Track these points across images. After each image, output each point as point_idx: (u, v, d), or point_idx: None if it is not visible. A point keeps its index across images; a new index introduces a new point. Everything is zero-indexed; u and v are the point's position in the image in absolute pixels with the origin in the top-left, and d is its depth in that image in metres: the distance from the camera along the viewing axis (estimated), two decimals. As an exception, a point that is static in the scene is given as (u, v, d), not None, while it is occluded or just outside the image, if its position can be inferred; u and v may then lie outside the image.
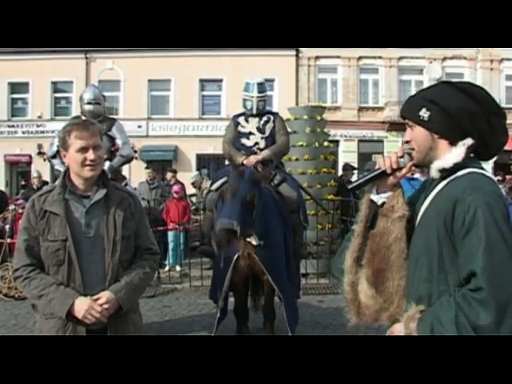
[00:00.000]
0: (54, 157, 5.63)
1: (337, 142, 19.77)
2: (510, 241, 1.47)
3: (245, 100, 5.03)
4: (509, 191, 7.87)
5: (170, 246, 9.04)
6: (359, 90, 21.43)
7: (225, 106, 20.64)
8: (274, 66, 19.58)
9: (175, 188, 9.23)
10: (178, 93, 20.91)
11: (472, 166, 1.64)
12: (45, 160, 15.94)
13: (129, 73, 20.51)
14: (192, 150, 20.78)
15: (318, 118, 8.85)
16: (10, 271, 6.16)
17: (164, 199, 9.34)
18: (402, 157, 1.74)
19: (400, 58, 20.88)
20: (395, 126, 19.61)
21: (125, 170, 10.57)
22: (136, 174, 14.73)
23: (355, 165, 14.72)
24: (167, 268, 8.62)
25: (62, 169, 4.07)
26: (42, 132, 20.72)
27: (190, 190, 11.29)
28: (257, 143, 4.91)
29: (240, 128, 5.00)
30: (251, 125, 4.98)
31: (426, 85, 17.85)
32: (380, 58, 20.73)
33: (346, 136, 21.00)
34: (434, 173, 1.67)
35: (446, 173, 1.65)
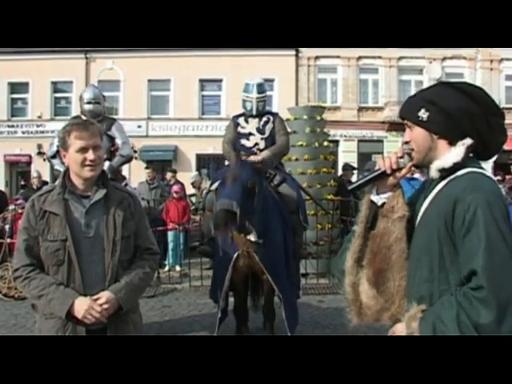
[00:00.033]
0: (53, 157, 5.63)
1: (337, 142, 19.77)
2: (510, 240, 1.48)
3: (244, 101, 5.03)
4: (508, 191, 7.87)
5: (170, 246, 9.04)
6: (359, 89, 21.43)
7: (225, 106, 20.64)
8: (273, 65, 19.58)
9: (175, 188, 9.23)
10: (177, 93, 20.91)
11: (471, 165, 1.64)
12: (44, 160, 15.94)
13: (128, 73, 20.51)
14: (192, 150, 20.78)
15: (318, 117, 8.85)
16: (10, 271, 6.15)
17: (164, 199, 9.34)
18: (401, 157, 1.74)
19: (400, 58, 20.88)
20: (395, 126, 19.61)
21: (124, 170, 10.56)
22: (136, 174, 14.72)
23: (355, 165, 14.73)
24: (167, 268, 8.62)
25: (61, 169, 4.07)
26: (42, 132, 20.71)
27: (190, 190, 11.29)
28: (257, 144, 4.91)
29: (240, 129, 4.99)
30: (251, 125, 4.98)
31: (425, 85, 17.87)
32: (380, 57, 20.72)
33: (345, 136, 21.00)
34: (433, 173, 1.68)
35: (445, 173, 1.65)
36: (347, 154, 20.40)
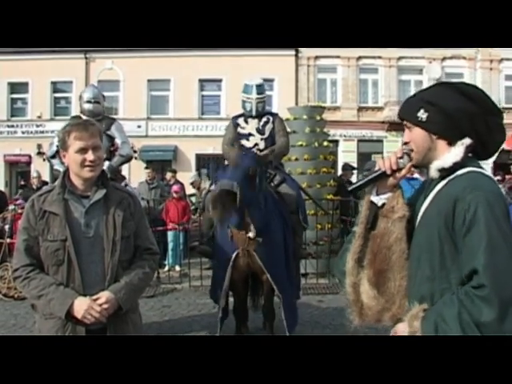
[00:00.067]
0: (53, 157, 5.63)
1: (336, 142, 19.77)
2: (511, 238, 1.49)
3: (244, 102, 5.03)
4: (508, 191, 7.87)
5: (170, 246, 9.04)
6: (359, 89, 21.43)
7: (224, 106, 20.64)
8: (273, 65, 19.59)
9: (175, 188, 9.23)
10: (177, 93, 20.91)
11: (471, 165, 1.65)
12: (44, 160, 15.94)
13: (128, 73, 20.51)
14: (191, 150, 20.78)
15: (318, 117, 8.86)
16: (10, 271, 6.15)
17: (163, 199, 9.34)
18: (401, 158, 1.74)
19: (399, 58, 20.89)
20: (395, 126, 19.61)
21: (124, 170, 10.57)
22: (135, 174, 14.73)
23: (355, 165, 14.73)
24: (167, 268, 8.62)
25: (61, 169, 4.07)
26: (42, 132, 20.71)
27: (190, 190, 11.29)
28: (256, 144, 4.91)
29: (239, 129, 5.00)
30: (251, 126, 4.98)
31: (425, 85, 17.88)
32: (379, 57, 20.73)
33: (345, 136, 21.00)
34: (433, 173, 1.68)
35: (445, 172, 1.66)
36: (347, 154, 20.41)
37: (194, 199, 10.81)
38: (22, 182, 17.34)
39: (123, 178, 6.20)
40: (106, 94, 6.55)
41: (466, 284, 1.50)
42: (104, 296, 2.19)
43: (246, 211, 4.00)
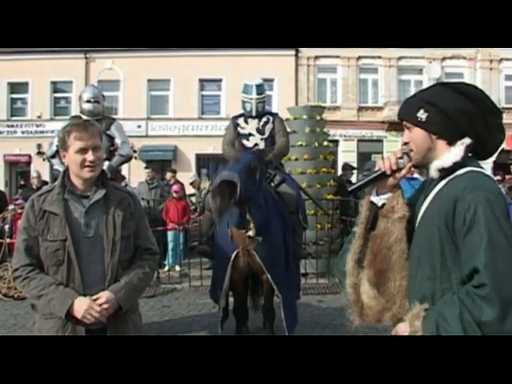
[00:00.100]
0: (53, 156, 5.62)
1: (336, 142, 19.76)
2: (511, 238, 1.49)
3: (244, 102, 5.03)
4: (508, 191, 7.87)
5: (170, 245, 9.04)
6: (359, 89, 21.43)
7: (224, 106, 20.63)
8: (273, 65, 19.58)
9: (175, 188, 9.23)
10: (177, 93, 20.90)
11: (471, 165, 1.65)
12: (44, 160, 15.93)
13: (128, 73, 20.50)
14: (191, 150, 20.78)
15: (318, 117, 8.85)
16: (10, 271, 6.15)
17: (163, 199, 9.34)
18: (401, 158, 1.74)
19: (399, 58, 20.89)
20: (394, 126, 19.61)
21: (124, 170, 10.57)
22: (135, 174, 14.73)
23: (355, 164, 14.73)
24: (167, 268, 8.61)
25: (61, 169, 4.06)
26: (42, 132, 20.70)
27: (190, 190, 11.30)
28: (256, 144, 4.91)
29: (239, 129, 5.00)
30: (251, 126, 4.98)
31: (425, 85, 17.89)
32: (379, 57, 20.72)
33: (345, 136, 21.00)
34: (433, 173, 1.68)
35: (445, 172, 1.66)
36: (347, 154, 20.41)
37: (193, 199, 10.81)
38: (22, 182, 17.35)
39: (123, 177, 6.20)
40: (105, 93, 6.55)
41: (467, 283, 1.50)
42: (104, 296, 2.19)
43: (245, 210, 3.99)
